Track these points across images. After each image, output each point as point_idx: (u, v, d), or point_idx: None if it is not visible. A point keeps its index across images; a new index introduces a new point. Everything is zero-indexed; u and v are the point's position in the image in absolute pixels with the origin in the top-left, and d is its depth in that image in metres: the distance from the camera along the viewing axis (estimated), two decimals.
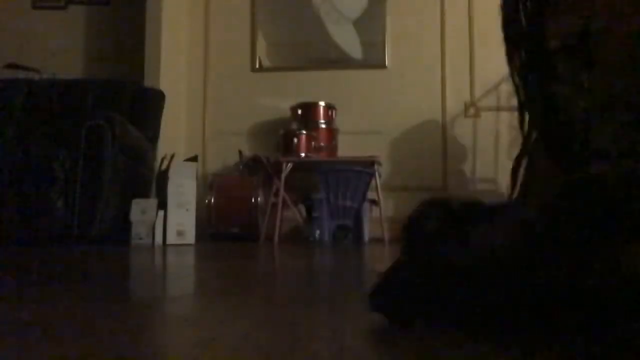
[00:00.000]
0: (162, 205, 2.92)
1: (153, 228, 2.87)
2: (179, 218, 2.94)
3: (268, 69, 3.84)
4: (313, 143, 3.31)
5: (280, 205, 3.25)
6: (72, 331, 0.59)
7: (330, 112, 3.46)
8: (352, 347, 0.52)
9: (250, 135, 3.81)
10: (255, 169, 3.46)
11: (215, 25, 3.91)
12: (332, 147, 3.42)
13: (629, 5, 0.66)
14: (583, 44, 0.70)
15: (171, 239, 2.91)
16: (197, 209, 3.03)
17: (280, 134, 3.35)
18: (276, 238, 3.22)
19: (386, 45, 3.76)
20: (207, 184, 3.41)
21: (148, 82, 3.43)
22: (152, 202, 2.94)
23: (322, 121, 3.41)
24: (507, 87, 3.63)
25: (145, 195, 3.16)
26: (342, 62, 3.78)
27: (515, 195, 0.75)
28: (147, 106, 3.29)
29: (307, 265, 1.59)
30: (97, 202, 2.65)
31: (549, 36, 0.73)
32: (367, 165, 3.21)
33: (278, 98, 3.77)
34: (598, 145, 0.73)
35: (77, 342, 0.54)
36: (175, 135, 3.70)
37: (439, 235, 0.66)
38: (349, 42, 3.78)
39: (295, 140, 3.28)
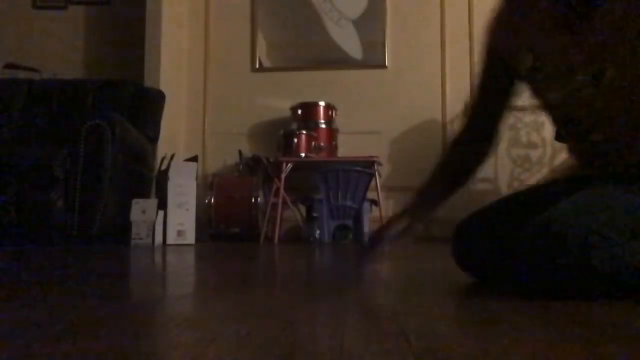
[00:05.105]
0: (162, 205, 2.92)
1: (153, 228, 2.86)
2: (179, 218, 2.94)
3: (268, 69, 3.84)
4: (313, 143, 3.31)
5: (280, 205, 3.25)
6: (72, 331, 0.59)
7: (330, 112, 3.46)
8: (352, 347, 0.52)
9: (250, 135, 3.81)
10: (255, 169, 3.46)
11: (215, 25, 3.91)
12: (332, 147, 3.42)
13: None
14: None
15: (171, 239, 2.91)
16: (197, 209, 3.03)
17: (280, 134, 3.35)
18: (276, 238, 3.22)
19: (386, 45, 3.76)
20: (207, 184, 3.40)
21: (148, 82, 3.43)
22: (152, 202, 2.94)
23: (322, 121, 3.41)
24: None
25: (145, 195, 3.16)
26: (342, 62, 3.77)
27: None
28: (147, 106, 3.29)
29: (307, 265, 1.59)
30: (97, 202, 2.65)
31: None
32: (367, 165, 3.21)
33: (278, 98, 3.77)
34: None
35: (77, 342, 0.54)
36: (175, 135, 3.70)
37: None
38: (349, 42, 3.78)
39: (295, 140, 3.27)
